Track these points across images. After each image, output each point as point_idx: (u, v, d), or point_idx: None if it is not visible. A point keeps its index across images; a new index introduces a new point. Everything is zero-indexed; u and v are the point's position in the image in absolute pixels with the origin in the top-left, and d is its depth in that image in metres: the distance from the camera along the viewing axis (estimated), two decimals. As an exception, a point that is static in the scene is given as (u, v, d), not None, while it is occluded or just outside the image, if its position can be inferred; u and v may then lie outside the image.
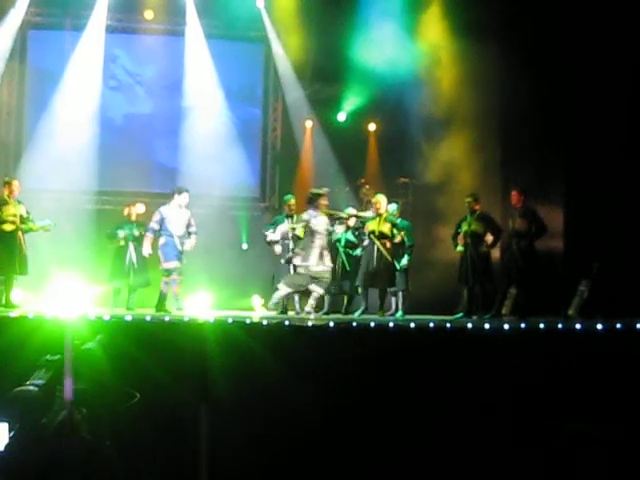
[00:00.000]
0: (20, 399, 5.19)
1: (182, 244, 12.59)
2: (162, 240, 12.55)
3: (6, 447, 5.22)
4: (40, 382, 5.36)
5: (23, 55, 15.90)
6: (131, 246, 13.20)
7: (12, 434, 5.21)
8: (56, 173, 14.98)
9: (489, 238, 12.53)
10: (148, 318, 9.82)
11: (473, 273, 12.48)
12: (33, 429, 4.97)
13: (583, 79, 13.77)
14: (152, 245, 12.62)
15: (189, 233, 12.70)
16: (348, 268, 13.30)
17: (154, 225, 12.56)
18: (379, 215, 12.62)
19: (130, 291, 13.33)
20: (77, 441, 4.84)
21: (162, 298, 12.58)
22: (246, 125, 16.56)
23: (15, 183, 12.26)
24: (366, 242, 12.84)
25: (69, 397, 5.11)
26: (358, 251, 13.31)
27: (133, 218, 13.41)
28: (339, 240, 13.38)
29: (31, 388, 5.28)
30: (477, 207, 12.63)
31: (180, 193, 12.68)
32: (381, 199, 12.68)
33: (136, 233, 13.21)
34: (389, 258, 12.50)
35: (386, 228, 12.55)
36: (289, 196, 13.41)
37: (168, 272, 12.53)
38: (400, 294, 13.22)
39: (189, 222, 12.69)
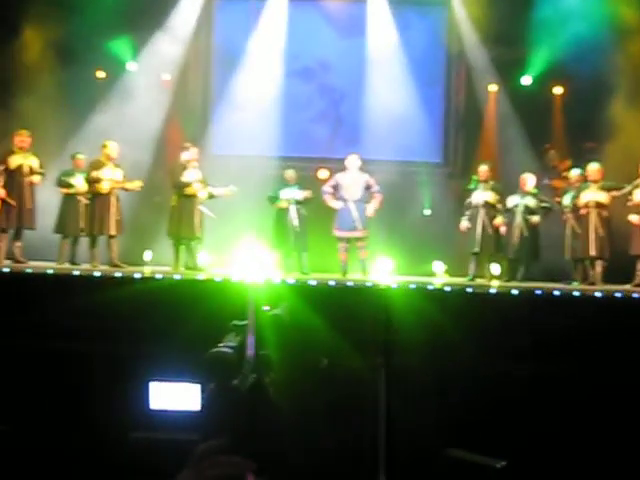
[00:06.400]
0: (216, 361, 5.37)
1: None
2: None
3: (202, 407, 5.46)
4: (233, 345, 5.54)
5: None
6: (292, 209, 13.22)
7: (205, 395, 5.43)
8: (243, 139, 15.39)
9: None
10: (332, 283, 9.93)
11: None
12: (227, 391, 5.15)
13: None
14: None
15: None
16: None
17: None
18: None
19: (298, 255, 13.35)
20: (267, 405, 5.00)
21: None
22: (429, 89, 16.42)
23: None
24: None
25: (254, 361, 5.26)
26: (536, 217, 13.08)
27: (292, 182, 13.48)
28: (517, 205, 13.09)
29: (226, 350, 5.47)
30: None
31: None
32: None
33: (299, 196, 13.27)
34: None
35: None
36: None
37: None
38: None
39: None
